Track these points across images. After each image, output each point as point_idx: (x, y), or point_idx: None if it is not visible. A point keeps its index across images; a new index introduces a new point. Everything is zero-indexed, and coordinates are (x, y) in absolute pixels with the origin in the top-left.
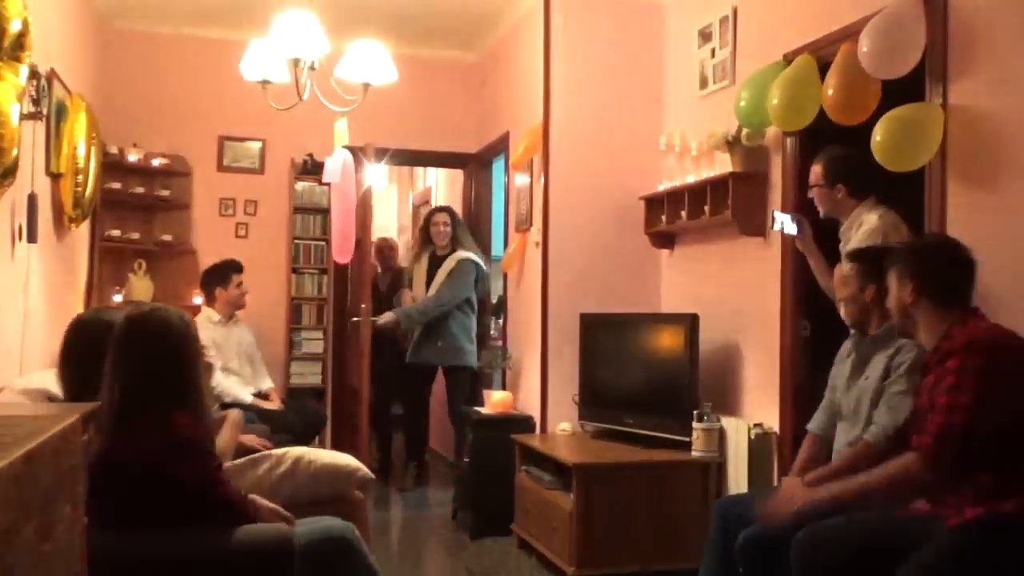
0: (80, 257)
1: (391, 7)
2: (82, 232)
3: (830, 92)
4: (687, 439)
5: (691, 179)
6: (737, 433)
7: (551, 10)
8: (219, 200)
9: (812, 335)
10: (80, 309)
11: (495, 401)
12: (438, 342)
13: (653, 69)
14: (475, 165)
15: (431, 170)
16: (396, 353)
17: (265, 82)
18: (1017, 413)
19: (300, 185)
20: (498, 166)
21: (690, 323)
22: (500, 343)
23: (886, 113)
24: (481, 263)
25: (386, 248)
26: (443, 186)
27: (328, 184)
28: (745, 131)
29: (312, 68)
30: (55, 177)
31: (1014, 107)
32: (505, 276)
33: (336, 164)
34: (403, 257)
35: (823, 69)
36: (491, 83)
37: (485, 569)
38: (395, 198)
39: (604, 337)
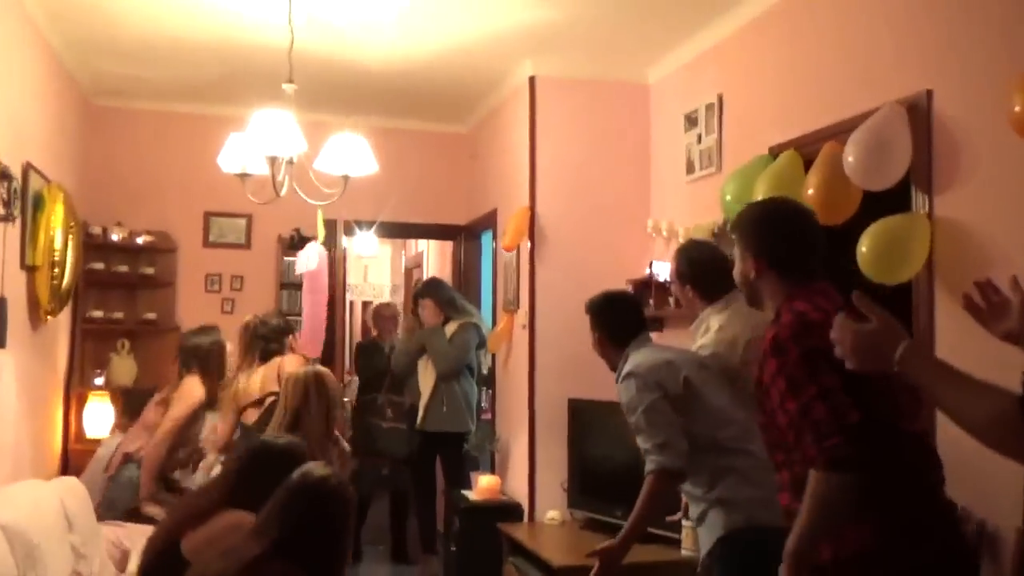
0: (60, 342)
1: (378, 82)
2: (61, 317)
3: (810, 192)
4: (677, 536)
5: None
6: None
7: (536, 91)
8: (205, 276)
9: None
10: (60, 395)
11: (483, 486)
12: (443, 408)
13: (640, 151)
14: (465, 236)
15: None
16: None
17: (244, 175)
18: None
19: (287, 260)
20: (487, 239)
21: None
22: (488, 417)
23: (871, 223)
24: (482, 326)
25: (387, 314)
26: (434, 252)
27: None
28: (731, 224)
29: (291, 163)
30: (30, 270)
31: (1000, 219)
32: (493, 355)
33: (309, 257)
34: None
35: (809, 165)
36: (481, 156)
37: None
38: (388, 259)
39: (593, 424)
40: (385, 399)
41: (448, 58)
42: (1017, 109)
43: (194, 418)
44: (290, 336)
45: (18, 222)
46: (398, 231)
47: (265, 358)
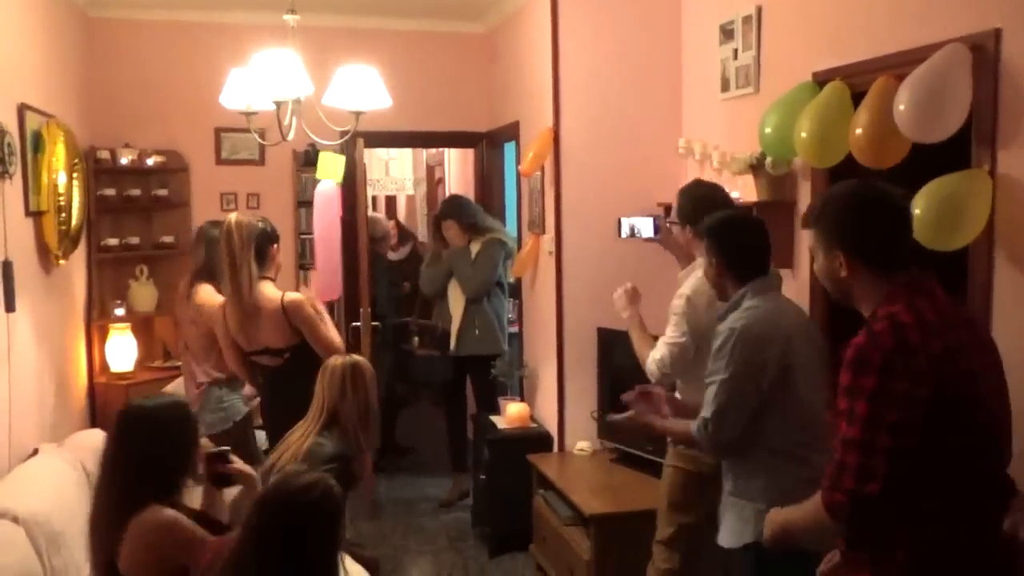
0: (76, 277)
1: None
2: (76, 252)
3: (858, 131)
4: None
5: None
6: None
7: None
8: (220, 195)
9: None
10: (81, 332)
11: (511, 414)
12: (476, 331)
13: (671, 65)
14: (487, 144)
15: None
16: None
17: (249, 112)
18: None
19: (304, 177)
20: (510, 149)
21: None
22: (516, 328)
23: (920, 173)
24: (507, 240)
25: (378, 235)
26: (455, 152)
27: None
28: (770, 159)
29: (297, 102)
30: (36, 216)
31: None
32: (518, 279)
33: (322, 202)
34: (419, 212)
35: (856, 98)
36: (501, 58)
37: None
38: (409, 153)
39: (622, 354)
40: (416, 325)
41: None
42: None
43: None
44: (274, 246)
45: (17, 173)
46: (416, 140)
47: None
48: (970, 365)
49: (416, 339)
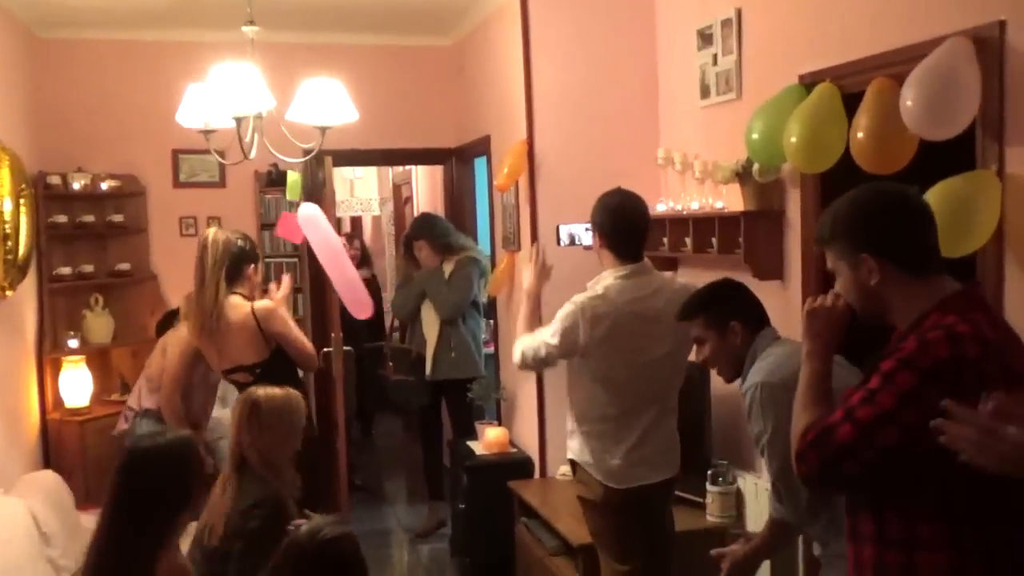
0: (27, 308)
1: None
2: (25, 282)
3: (860, 135)
4: (701, 500)
5: (695, 206)
6: (757, 495)
7: (528, 4)
8: (179, 219)
9: None
10: (33, 370)
11: (490, 439)
12: (451, 354)
13: (647, 72)
14: (456, 160)
15: None
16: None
17: (207, 130)
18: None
19: (267, 198)
20: (480, 164)
21: (699, 366)
22: (492, 349)
23: (926, 176)
24: (482, 259)
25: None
26: (423, 172)
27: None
28: (756, 166)
29: (259, 118)
30: None
31: None
32: (494, 298)
33: (307, 219)
34: (385, 233)
35: (846, 100)
36: (469, 71)
37: None
38: (374, 173)
39: None
40: (389, 350)
41: None
42: None
43: (195, 359)
44: (251, 266)
45: None
46: (384, 158)
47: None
48: None
49: (390, 364)
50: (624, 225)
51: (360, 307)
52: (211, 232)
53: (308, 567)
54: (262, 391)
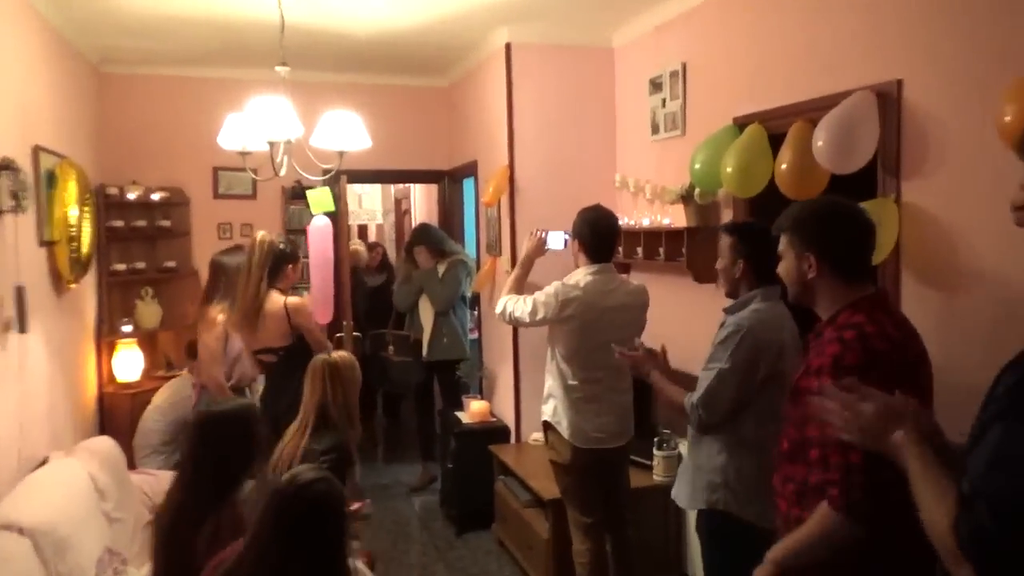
0: (88, 298)
1: (365, 48)
2: (87, 275)
3: (783, 167)
4: (649, 463)
5: (646, 222)
6: None
7: (512, 56)
8: (217, 225)
9: None
10: (92, 346)
11: (474, 410)
12: (444, 339)
13: (607, 112)
14: (449, 180)
15: None
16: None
17: (244, 152)
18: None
19: (291, 208)
20: (469, 184)
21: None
22: (476, 335)
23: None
24: (469, 261)
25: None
26: (421, 189)
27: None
28: (698, 190)
29: (288, 143)
30: (49, 245)
31: (965, 207)
32: (478, 294)
33: (316, 230)
34: (387, 239)
35: (772, 139)
36: (461, 107)
37: (469, 570)
38: (379, 188)
39: None
40: (391, 335)
41: (430, 25)
42: (1008, 118)
43: (226, 337)
44: (289, 266)
45: (31, 207)
46: (388, 177)
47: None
48: (922, 376)
49: (392, 348)
50: (599, 234)
51: (321, 311)
52: (260, 235)
53: (288, 507)
54: (335, 355)
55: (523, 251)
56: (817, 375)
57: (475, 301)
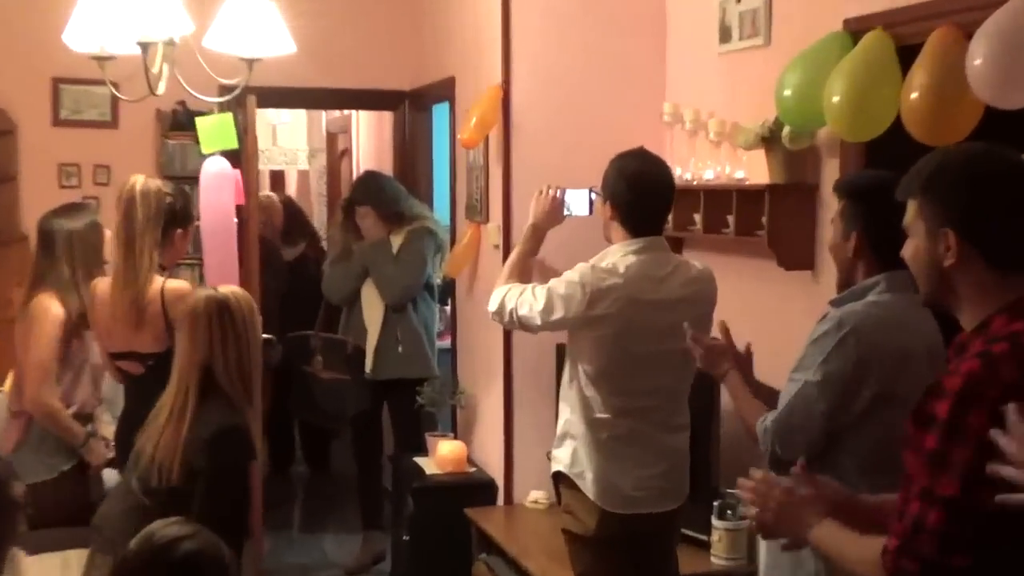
0: None
1: None
2: None
3: (914, 96)
4: (705, 538)
5: (709, 176)
6: None
7: None
8: (57, 166)
9: None
10: None
11: (443, 455)
12: (398, 348)
13: (653, 8)
14: (410, 106)
15: None
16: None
17: (102, 57)
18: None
19: (171, 145)
20: (441, 113)
21: (703, 374)
22: (448, 342)
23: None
24: (438, 230)
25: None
26: (368, 120)
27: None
28: (788, 129)
29: (170, 44)
30: None
31: None
32: (452, 280)
33: (211, 180)
34: (315, 192)
35: (903, 53)
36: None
37: None
38: (303, 119)
39: None
40: (318, 340)
41: None
42: None
43: (66, 339)
44: (179, 231)
45: None
46: (321, 99)
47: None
48: None
49: (319, 359)
50: (644, 197)
51: (221, 279)
52: (139, 181)
53: None
54: (224, 289)
55: (532, 213)
56: (938, 399)
57: (447, 291)
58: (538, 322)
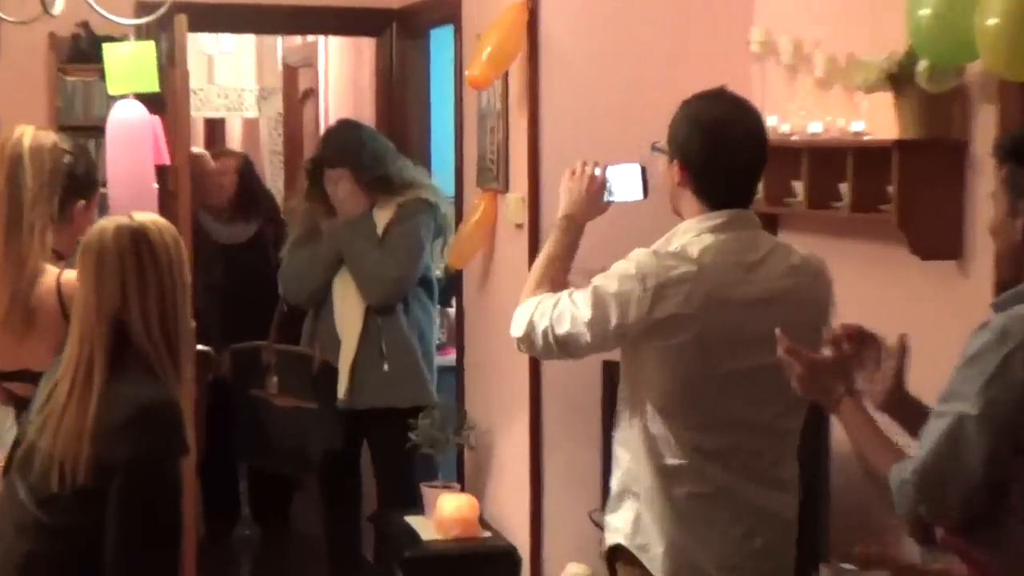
0: None
1: None
2: None
3: None
4: None
5: (816, 127)
6: None
7: None
8: None
9: None
10: None
11: (446, 514)
12: (383, 365)
13: None
14: (399, 30)
15: None
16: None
17: None
18: None
19: (69, 83)
20: (442, 40)
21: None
22: (453, 355)
23: None
24: (440, 203)
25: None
26: (340, 50)
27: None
28: (925, 65)
29: None
30: None
31: None
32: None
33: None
34: (269, 158)
35: None
36: None
37: None
38: (252, 50)
39: None
40: (273, 353)
41: None
42: None
43: None
44: (81, 202)
45: None
46: (276, 20)
47: None
48: None
49: (275, 379)
50: (727, 153)
51: None
52: (26, 135)
53: None
54: (140, 217)
55: (563, 200)
56: None
57: (451, 288)
58: (587, 338)
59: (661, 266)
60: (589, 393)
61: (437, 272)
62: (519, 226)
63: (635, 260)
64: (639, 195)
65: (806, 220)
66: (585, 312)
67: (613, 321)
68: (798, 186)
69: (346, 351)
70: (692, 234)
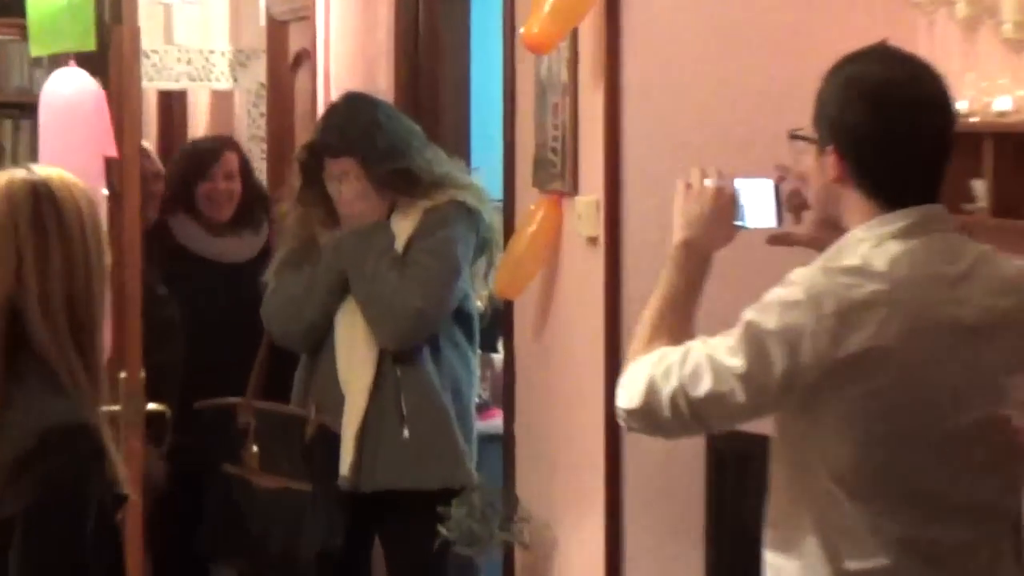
0: None
1: None
2: None
3: None
4: None
5: (1004, 104)
6: None
7: None
8: None
9: None
10: None
11: None
12: (402, 431)
13: None
14: None
15: None
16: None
17: None
18: None
19: None
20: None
21: None
22: (499, 418)
23: None
24: (482, 208)
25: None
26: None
27: None
28: None
29: None
30: None
31: None
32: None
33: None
34: (247, 144)
35: None
36: None
37: None
38: (224, 3)
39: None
40: (251, 414)
41: None
42: None
43: None
44: None
45: None
46: None
47: None
48: None
49: (255, 448)
50: (902, 128)
51: None
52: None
53: None
54: (47, 172)
55: (676, 223)
56: None
57: (497, 325)
58: (739, 398)
59: (838, 285)
60: (689, 476)
61: (479, 304)
62: (592, 240)
63: (799, 282)
64: (772, 222)
65: (990, 233)
66: (733, 361)
67: (779, 367)
68: (979, 186)
69: (352, 411)
70: (870, 244)
